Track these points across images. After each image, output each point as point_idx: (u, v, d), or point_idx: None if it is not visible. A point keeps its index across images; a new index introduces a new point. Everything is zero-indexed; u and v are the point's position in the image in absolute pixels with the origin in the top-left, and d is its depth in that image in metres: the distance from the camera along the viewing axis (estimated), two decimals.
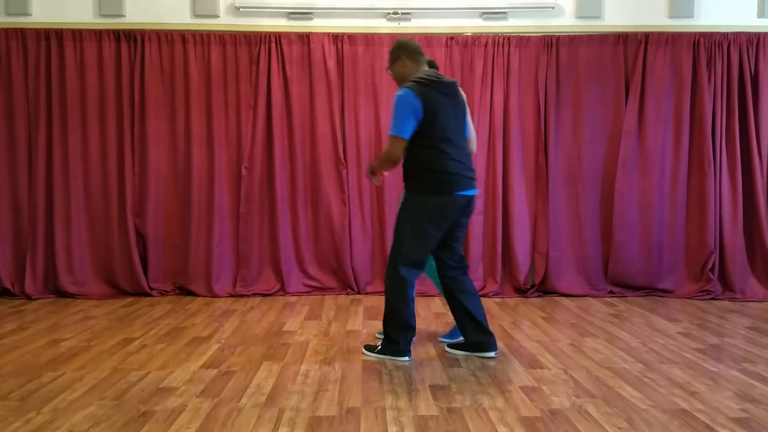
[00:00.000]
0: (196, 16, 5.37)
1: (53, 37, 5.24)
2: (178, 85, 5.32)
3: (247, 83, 5.35)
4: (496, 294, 5.35)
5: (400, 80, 3.56)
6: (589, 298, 5.31)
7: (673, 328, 4.29)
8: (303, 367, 3.39)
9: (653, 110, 5.38)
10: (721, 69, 5.35)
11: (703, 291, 5.30)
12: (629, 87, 5.39)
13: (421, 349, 3.75)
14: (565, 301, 5.23)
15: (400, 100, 3.37)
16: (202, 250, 5.36)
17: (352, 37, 5.38)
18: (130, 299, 5.20)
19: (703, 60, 5.34)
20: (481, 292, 5.16)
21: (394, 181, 5.41)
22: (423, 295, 5.33)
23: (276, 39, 5.33)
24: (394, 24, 5.44)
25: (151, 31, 5.30)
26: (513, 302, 5.17)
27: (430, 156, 3.41)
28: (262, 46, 5.32)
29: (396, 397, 2.95)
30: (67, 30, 5.25)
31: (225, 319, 4.53)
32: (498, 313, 4.74)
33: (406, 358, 3.51)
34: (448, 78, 3.56)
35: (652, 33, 5.38)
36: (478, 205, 5.25)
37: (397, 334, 3.52)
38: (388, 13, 5.42)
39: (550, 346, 3.84)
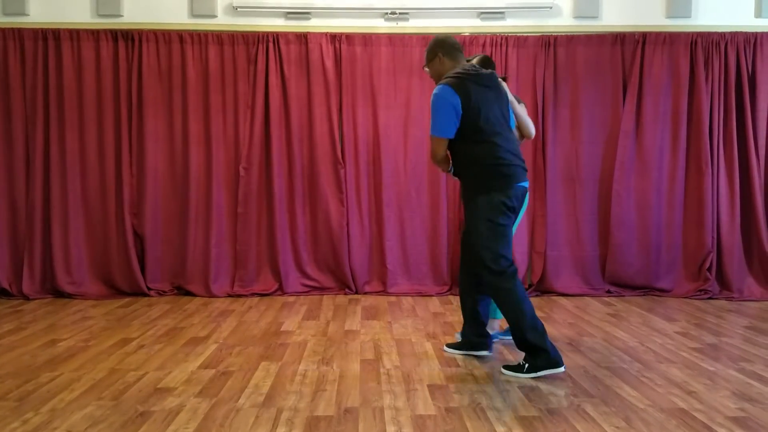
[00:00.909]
0: (194, 16, 5.37)
1: (51, 37, 5.23)
2: (175, 85, 5.31)
3: (245, 83, 5.34)
4: None
5: (437, 78, 3.37)
6: (587, 298, 5.31)
7: (671, 328, 4.29)
8: (301, 367, 3.39)
9: (651, 110, 5.38)
10: (718, 69, 5.36)
11: (700, 290, 5.30)
12: (627, 87, 5.40)
13: (419, 349, 3.75)
14: (562, 300, 5.24)
15: (437, 99, 3.20)
16: (200, 251, 5.35)
17: (349, 37, 5.38)
18: (127, 299, 5.19)
19: (701, 60, 5.35)
20: None
21: (392, 180, 5.42)
22: (422, 294, 5.34)
23: (274, 39, 5.33)
24: (392, 24, 5.44)
25: (149, 31, 5.29)
26: None
27: (485, 151, 3.23)
28: (260, 46, 5.31)
29: (394, 396, 2.95)
30: (64, 30, 5.24)
31: (223, 319, 4.53)
32: None
33: (562, 369, 3.20)
34: (486, 70, 3.36)
35: (650, 33, 5.39)
36: None
37: (536, 339, 3.18)
38: (386, 13, 5.42)
39: None
